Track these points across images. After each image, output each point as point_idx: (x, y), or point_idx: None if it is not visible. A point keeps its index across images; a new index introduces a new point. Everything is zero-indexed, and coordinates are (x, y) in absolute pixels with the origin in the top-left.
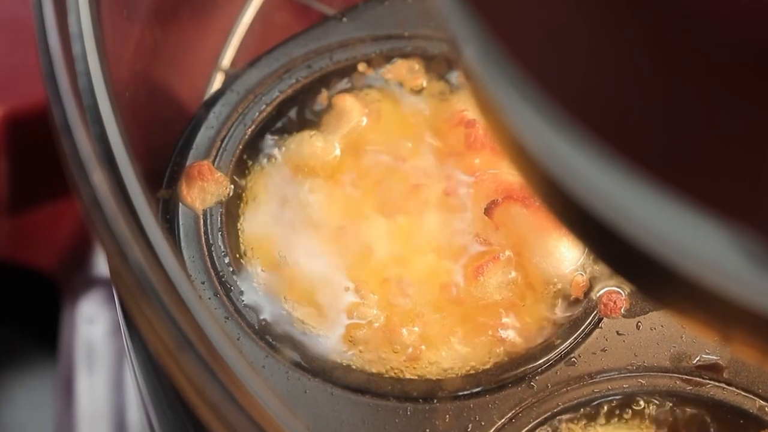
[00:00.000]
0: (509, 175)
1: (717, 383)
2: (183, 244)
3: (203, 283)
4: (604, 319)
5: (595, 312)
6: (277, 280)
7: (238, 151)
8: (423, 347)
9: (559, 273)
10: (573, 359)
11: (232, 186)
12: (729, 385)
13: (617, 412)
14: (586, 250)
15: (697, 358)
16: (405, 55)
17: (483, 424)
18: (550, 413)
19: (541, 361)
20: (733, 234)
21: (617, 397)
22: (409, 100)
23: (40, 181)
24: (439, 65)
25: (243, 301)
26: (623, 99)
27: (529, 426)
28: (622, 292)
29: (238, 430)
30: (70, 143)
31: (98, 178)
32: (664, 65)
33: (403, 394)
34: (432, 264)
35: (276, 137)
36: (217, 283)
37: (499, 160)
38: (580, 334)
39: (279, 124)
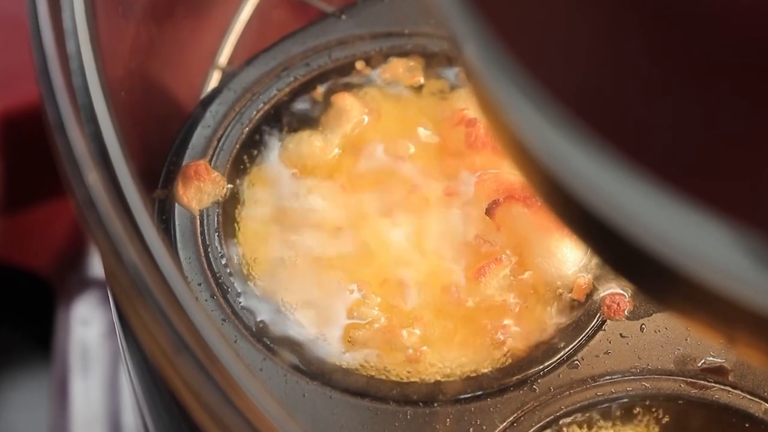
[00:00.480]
0: (511, 174)
1: (722, 386)
2: (179, 245)
3: (200, 284)
4: (608, 322)
5: (598, 314)
6: (275, 281)
7: (235, 151)
8: (424, 349)
9: (561, 274)
10: (576, 362)
11: (229, 186)
12: (734, 388)
13: (621, 415)
14: (589, 251)
15: (702, 361)
16: (405, 53)
17: (484, 428)
18: (552, 417)
19: (543, 364)
20: (736, 234)
21: (621, 401)
22: (409, 98)
23: (34, 180)
24: (439, 63)
25: (240, 303)
26: (624, 97)
27: (532, 430)
28: (625, 294)
29: None
30: (65, 142)
31: (93, 177)
32: (664, 64)
33: (403, 398)
34: (432, 265)
35: (274, 136)
36: (213, 285)
37: (501, 160)
38: (583, 337)
39: (277, 123)
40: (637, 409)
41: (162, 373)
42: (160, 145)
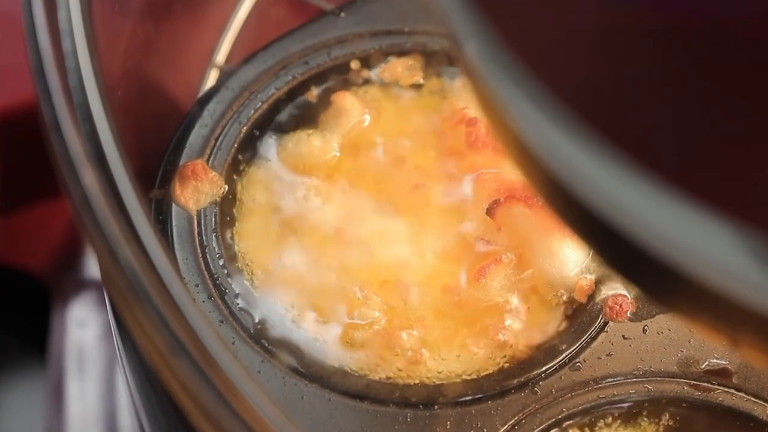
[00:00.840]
0: (511, 174)
1: (726, 389)
2: (176, 246)
3: (197, 285)
4: (610, 323)
5: (600, 315)
6: (273, 282)
7: (233, 150)
8: (423, 351)
9: (563, 275)
10: (578, 364)
11: (227, 186)
12: (738, 390)
13: (623, 418)
14: (590, 251)
15: (706, 363)
16: (404, 52)
17: (485, 430)
18: (554, 419)
19: (545, 366)
20: (739, 234)
21: (623, 403)
22: (409, 98)
23: (30, 180)
24: (439, 62)
25: (238, 304)
26: (625, 96)
27: None
28: (628, 295)
29: None
30: (60, 142)
31: (89, 177)
32: (666, 63)
33: (403, 400)
34: (433, 266)
35: (272, 136)
36: (211, 286)
37: (501, 159)
38: (585, 339)
39: (275, 123)
40: (640, 411)
41: (159, 375)
42: (157, 144)
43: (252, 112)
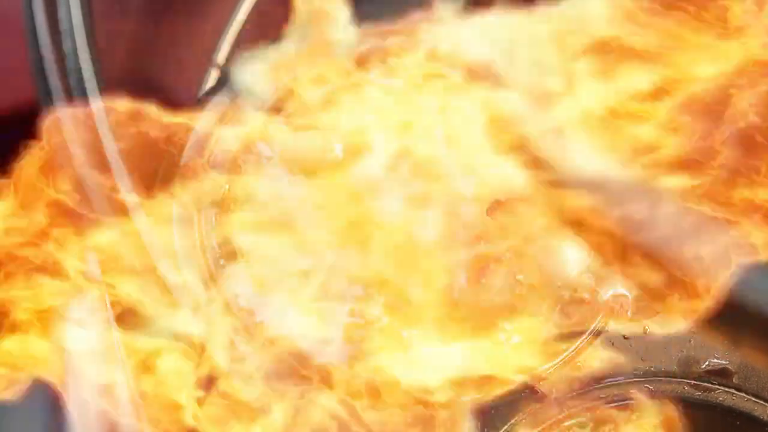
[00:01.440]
0: (512, 173)
1: (726, 389)
2: (177, 246)
3: (197, 285)
4: (611, 323)
5: (600, 315)
6: (274, 281)
7: (233, 150)
8: (424, 350)
9: (564, 275)
10: (578, 364)
11: (228, 185)
12: (738, 390)
13: (623, 418)
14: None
15: (706, 363)
16: (404, 52)
17: (485, 431)
18: (554, 419)
19: (545, 366)
20: None
21: (623, 403)
22: (410, 97)
23: None
24: (440, 62)
25: (239, 303)
26: None
27: None
28: (628, 295)
29: None
30: None
31: None
32: None
33: (404, 400)
34: (434, 265)
35: (273, 135)
36: (212, 286)
37: (502, 159)
38: (585, 338)
39: (276, 123)
40: (640, 411)
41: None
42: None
43: (252, 112)
